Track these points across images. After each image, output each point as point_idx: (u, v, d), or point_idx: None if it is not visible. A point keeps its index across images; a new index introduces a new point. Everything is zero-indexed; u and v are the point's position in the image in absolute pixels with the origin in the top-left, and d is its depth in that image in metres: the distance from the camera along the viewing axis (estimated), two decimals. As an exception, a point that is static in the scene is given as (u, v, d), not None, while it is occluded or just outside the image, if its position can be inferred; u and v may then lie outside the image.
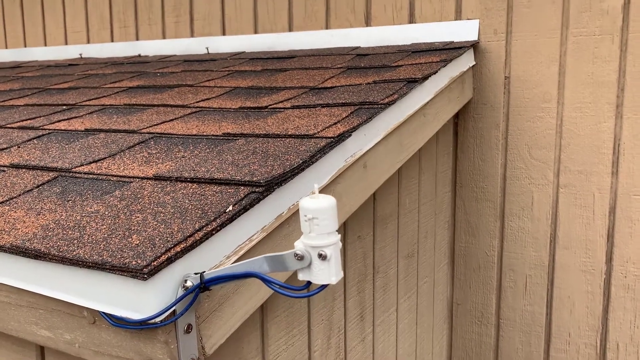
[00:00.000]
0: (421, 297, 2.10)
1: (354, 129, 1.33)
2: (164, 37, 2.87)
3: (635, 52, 1.96)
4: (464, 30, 2.19)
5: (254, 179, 1.04)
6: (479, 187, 2.29)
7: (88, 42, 3.14)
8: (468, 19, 2.20)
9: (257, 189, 1.03)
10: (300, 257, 0.75)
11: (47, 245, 0.92)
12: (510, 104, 2.18)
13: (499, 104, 2.20)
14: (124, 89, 2.16)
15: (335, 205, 0.73)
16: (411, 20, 2.33)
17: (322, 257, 0.73)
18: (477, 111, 2.24)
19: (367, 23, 2.41)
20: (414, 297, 2.04)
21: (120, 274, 0.83)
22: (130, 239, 0.90)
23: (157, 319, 0.85)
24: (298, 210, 1.16)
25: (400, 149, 1.63)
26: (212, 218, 0.94)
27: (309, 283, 0.78)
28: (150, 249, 0.86)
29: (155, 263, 0.82)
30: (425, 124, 1.80)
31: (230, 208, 0.96)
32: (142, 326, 0.86)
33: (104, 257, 0.86)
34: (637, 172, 2.00)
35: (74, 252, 0.89)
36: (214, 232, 0.92)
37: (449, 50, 2.05)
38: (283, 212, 1.12)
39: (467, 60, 2.14)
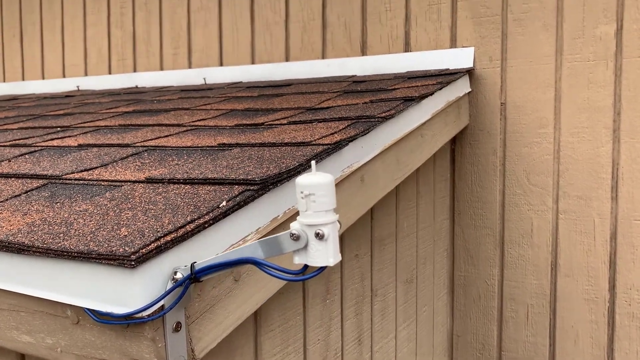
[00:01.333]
0: (421, 326, 2.03)
1: (351, 138, 1.31)
2: (161, 69, 2.89)
3: (629, 77, 1.97)
4: (460, 58, 2.21)
5: (249, 177, 1.01)
6: (477, 214, 2.25)
7: (85, 74, 3.16)
8: (463, 47, 2.23)
9: (251, 187, 0.99)
10: (296, 237, 0.71)
11: (32, 239, 0.88)
12: (507, 130, 2.18)
13: (496, 130, 2.19)
14: (120, 113, 2.15)
15: (333, 183, 0.70)
16: (407, 49, 2.35)
17: (319, 236, 0.70)
18: (474, 137, 2.24)
19: (363, 52, 2.44)
20: (413, 326, 1.97)
21: (107, 263, 0.79)
22: (118, 232, 0.86)
23: (144, 313, 0.80)
24: (294, 215, 1.13)
25: (398, 166, 1.61)
26: (205, 212, 0.90)
27: (305, 267, 0.73)
28: (139, 238, 0.82)
29: (143, 251, 0.78)
30: (422, 144, 1.78)
31: (224, 203, 0.93)
32: (128, 321, 0.81)
33: (91, 246, 0.81)
34: (637, 197, 1.98)
35: (60, 244, 0.84)
36: (206, 225, 0.88)
37: (445, 76, 2.06)
38: (279, 215, 1.09)
39: (462, 86, 2.14)
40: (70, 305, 0.88)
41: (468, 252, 2.27)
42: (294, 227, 0.71)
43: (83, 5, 3.14)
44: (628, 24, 1.97)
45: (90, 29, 3.12)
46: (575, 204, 2.08)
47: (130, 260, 0.76)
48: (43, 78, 3.32)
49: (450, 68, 2.21)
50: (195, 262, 0.79)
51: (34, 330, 0.95)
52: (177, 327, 0.86)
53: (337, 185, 1.30)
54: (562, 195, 2.10)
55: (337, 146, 1.25)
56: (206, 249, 0.91)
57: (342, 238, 1.52)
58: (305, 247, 0.71)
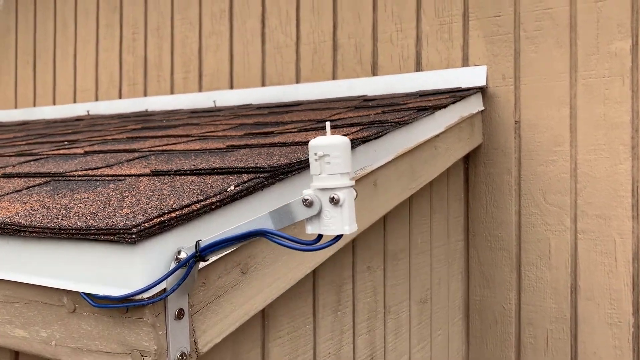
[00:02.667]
0: (435, 351, 1.94)
1: (364, 139, 1.27)
2: (171, 93, 2.89)
3: (647, 93, 1.93)
4: (472, 77, 2.19)
5: (259, 165, 0.97)
6: (492, 236, 2.18)
7: (96, 100, 3.17)
8: (475, 65, 2.21)
9: (261, 175, 0.95)
10: (309, 203, 0.66)
11: (29, 220, 0.83)
12: (521, 149, 2.13)
13: (510, 149, 2.15)
14: (128, 130, 2.13)
15: (350, 146, 0.65)
16: (418, 68, 2.33)
17: (334, 201, 0.64)
18: (488, 156, 2.19)
19: (374, 73, 2.42)
20: (427, 349, 1.88)
21: (106, 239, 0.74)
22: (120, 212, 0.82)
23: (145, 295, 0.75)
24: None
25: (412, 175, 1.56)
26: (212, 195, 0.85)
27: (319, 237, 0.68)
28: (141, 214, 0.77)
29: (146, 225, 0.73)
30: (436, 157, 1.74)
31: (232, 188, 0.88)
32: (127, 304, 0.75)
33: (90, 223, 0.77)
34: (659, 215, 1.91)
35: (58, 224, 0.80)
36: (213, 207, 0.83)
37: (457, 92, 2.04)
38: (289, 209, 1.03)
39: (476, 104, 2.11)
40: (67, 291, 0.83)
41: (483, 275, 2.19)
42: (307, 192, 0.66)
43: (96, 30, 3.18)
44: (643, 39, 1.94)
45: (103, 54, 3.15)
46: (594, 224, 2.01)
47: (132, 234, 0.71)
48: (54, 104, 3.33)
49: (463, 86, 2.18)
50: (200, 240, 0.74)
51: (28, 323, 0.89)
52: (180, 315, 0.80)
53: (349, 186, 1.25)
54: (580, 215, 2.04)
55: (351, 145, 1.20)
56: (212, 233, 0.86)
57: (354, 247, 1.46)
58: (319, 214, 0.66)
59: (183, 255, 0.76)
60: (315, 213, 0.66)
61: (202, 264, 0.84)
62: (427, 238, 1.89)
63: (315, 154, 0.65)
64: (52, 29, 3.37)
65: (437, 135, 1.74)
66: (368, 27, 2.42)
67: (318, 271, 1.30)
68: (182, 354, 0.80)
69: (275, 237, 0.67)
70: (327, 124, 0.64)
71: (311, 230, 0.68)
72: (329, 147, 0.64)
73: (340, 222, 0.64)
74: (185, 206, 0.80)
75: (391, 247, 1.64)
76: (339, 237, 0.66)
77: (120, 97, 3.07)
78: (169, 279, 0.77)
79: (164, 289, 0.77)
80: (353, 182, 0.66)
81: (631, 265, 1.95)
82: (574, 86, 2.05)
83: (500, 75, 2.16)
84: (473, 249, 2.21)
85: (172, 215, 0.77)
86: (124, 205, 0.85)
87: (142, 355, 0.78)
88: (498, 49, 2.17)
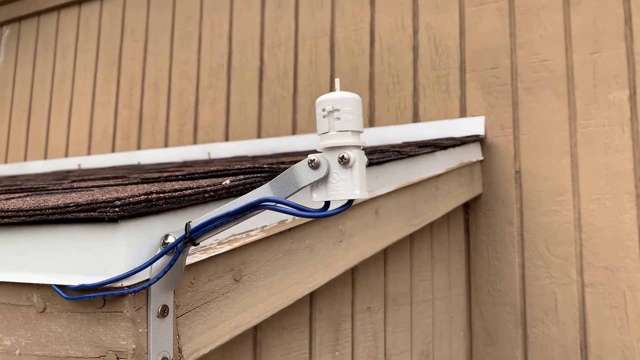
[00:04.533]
0: (438, 412, 1.79)
1: (367, 163, 1.21)
2: (166, 146, 2.85)
3: (648, 141, 1.91)
4: (470, 127, 2.17)
5: (257, 165, 0.90)
6: (495, 290, 2.08)
7: (88, 154, 3.12)
8: (473, 116, 2.19)
9: (259, 174, 0.88)
10: (315, 164, 0.58)
11: (1, 208, 0.75)
12: (523, 199, 2.08)
13: (511, 199, 2.09)
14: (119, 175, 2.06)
15: (361, 102, 0.59)
16: (415, 119, 2.32)
17: (343, 161, 0.57)
18: (489, 207, 2.13)
19: (371, 124, 2.41)
20: (430, 408, 1.73)
21: (86, 216, 0.66)
22: (104, 196, 0.74)
23: (125, 283, 0.66)
24: (304, 224, 1.00)
25: (413, 212, 1.49)
26: (206, 185, 0.78)
27: (327, 205, 0.60)
28: (127, 194, 0.70)
29: (131, 199, 0.65)
30: (437, 198, 1.68)
31: (227, 182, 0.81)
32: (105, 292, 0.66)
33: (68, 202, 0.69)
34: (669, 265, 1.83)
35: (32, 206, 0.72)
36: (206, 195, 0.76)
37: (455, 140, 2.01)
38: (287, 219, 0.96)
39: (475, 153, 2.08)
40: (38, 286, 0.74)
41: (487, 332, 2.07)
42: (312, 155, 0.59)
43: (93, 85, 3.18)
44: (641, 88, 1.94)
45: (98, 108, 3.14)
46: (601, 276, 1.92)
47: (114, 207, 0.63)
48: (45, 158, 3.28)
49: (461, 136, 2.16)
50: (190, 222, 0.66)
51: (-10, 330, 0.79)
52: (164, 312, 0.70)
53: (351, 211, 1.18)
54: (586, 266, 1.95)
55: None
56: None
57: (353, 283, 1.37)
58: (326, 177, 0.59)
59: (171, 240, 0.67)
60: (322, 176, 0.58)
61: (190, 260, 0.75)
62: (428, 287, 1.79)
63: (324, 109, 0.59)
64: (50, 84, 3.38)
65: (438, 176, 1.69)
66: (365, 79, 2.43)
67: (315, 303, 1.21)
68: (164, 359, 0.70)
69: (279, 204, 0.60)
70: (337, 80, 0.59)
71: (317, 197, 0.60)
72: (339, 100, 0.58)
73: (351, 185, 0.57)
74: (176, 190, 0.73)
75: (392, 290, 1.55)
76: (349, 202, 0.58)
77: (113, 151, 3.03)
78: (153, 267, 0.68)
79: (148, 279, 0.68)
80: (365, 143, 0.59)
81: (643, 320, 1.85)
82: (574, 135, 2.03)
83: (499, 125, 2.15)
84: (475, 305, 2.10)
85: (161, 195, 0.69)
86: (109, 194, 0.78)
87: (117, 357, 0.68)
88: (496, 100, 2.16)
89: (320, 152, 0.60)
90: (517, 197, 2.09)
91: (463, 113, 2.23)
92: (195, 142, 2.79)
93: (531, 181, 2.07)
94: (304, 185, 0.60)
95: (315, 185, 0.60)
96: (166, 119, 2.89)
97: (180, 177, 0.96)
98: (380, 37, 2.42)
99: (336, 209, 0.58)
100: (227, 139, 2.70)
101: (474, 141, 2.06)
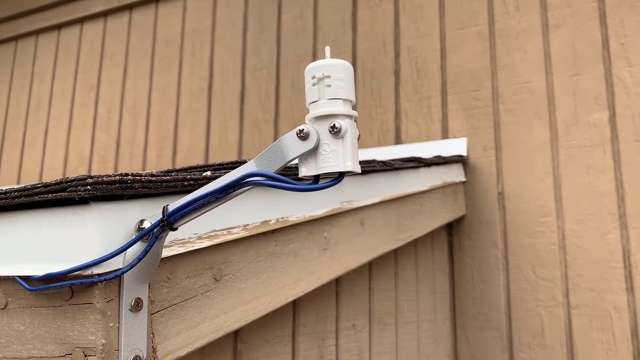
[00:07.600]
0: None
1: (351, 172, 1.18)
2: (143, 170, 2.79)
3: (629, 162, 1.92)
4: (452, 148, 2.16)
5: (238, 160, 0.86)
6: (481, 314, 2.04)
7: (63, 179, 3.04)
8: (455, 138, 2.19)
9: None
10: (304, 135, 0.55)
11: (-37, 195, 0.70)
12: (507, 220, 2.06)
13: (495, 221, 2.07)
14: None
15: (353, 71, 0.56)
16: (397, 142, 2.31)
17: (334, 131, 0.54)
18: (472, 229, 2.10)
19: (354, 147, 2.38)
20: None
21: (55, 197, 0.61)
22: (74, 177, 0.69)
23: (96, 270, 0.61)
24: (288, 227, 0.96)
25: (398, 226, 1.46)
26: (185, 174, 0.74)
27: (317, 179, 0.56)
28: (103, 177, 0.65)
29: (105, 179, 0.61)
30: (422, 214, 1.65)
31: (209, 173, 0.77)
32: (73, 281, 0.60)
33: (35, 184, 0.64)
34: (655, 286, 1.81)
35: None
36: (185, 183, 0.71)
37: (440, 158, 1.99)
38: (271, 220, 0.91)
39: (457, 173, 2.07)
40: (0, 280, 0.68)
41: (473, 358, 2.01)
42: (301, 125, 0.56)
43: (70, 109, 3.13)
44: (620, 110, 1.96)
45: (74, 132, 3.08)
46: (588, 297, 1.90)
47: (86, 185, 0.58)
48: (18, 183, 3.19)
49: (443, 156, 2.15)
50: (168, 205, 0.62)
51: (-55, 332, 0.72)
52: (137, 306, 0.65)
53: (336, 218, 1.14)
54: (572, 288, 1.92)
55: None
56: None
57: (337, 300, 1.31)
58: (316, 149, 0.55)
59: (147, 225, 0.63)
60: (311, 147, 0.55)
61: (168, 253, 0.70)
62: (414, 307, 1.74)
63: (314, 77, 0.55)
64: (25, 109, 3.32)
65: (423, 193, 1.67)
66: (347, 103, 2.42)
67: (299, 316, 1.15)
68: (137, 358, 0.64)
69: (265, 179, 0.56)
70: (327, 48, 0.56)
71: (306, 171, 0.57)
72: (331, 67, 0.55)
73: (342, 157, 0.53)
74: (154, 176, 0.68)
75: (377, 308, 1.49)
76: (341, 176, 0.54)
77: (88, 176, 2.95)
78: (127, 255, 0.63)
79: (120, 268, 0.63)
80: (356, 114, 0.56)
81: (630, 343, 1.82)
82: (556, 156, 2.03)
83: (481, 147, 2.14)
84: (461, 329, 2.05)
85: (138, 178, 0.65)
86: (81, 184, 0.73)
87: (85, 355, 0.62)
88: (478, 121, 2.16)
89: (309, 123, 0.56)
90: (500, 219, 2.07)
91: (445, 135, 2.22)
92: (174, 166, 2.74)
93: (514, 202, 2.06)
94: (293, 157, 0.56)
95: (304, 158, 0.56)
96: (144, 143, 2.84)
97: (158, 174, 0.91)
98: (363, 61, 2.43)
99: (327, 182, 0.54)
100: (207, 162, 2.66)
101: (456, 161, 2.05)
